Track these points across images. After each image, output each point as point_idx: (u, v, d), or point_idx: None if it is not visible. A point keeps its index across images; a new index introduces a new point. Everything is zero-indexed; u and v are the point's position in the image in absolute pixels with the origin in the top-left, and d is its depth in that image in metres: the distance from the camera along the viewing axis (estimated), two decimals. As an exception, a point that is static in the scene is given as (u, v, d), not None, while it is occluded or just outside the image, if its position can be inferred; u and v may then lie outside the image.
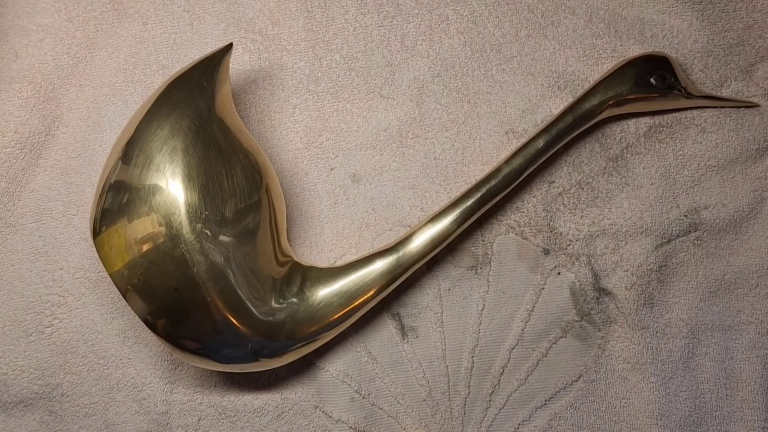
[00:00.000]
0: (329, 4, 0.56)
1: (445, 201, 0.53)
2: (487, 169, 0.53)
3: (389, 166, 0.54)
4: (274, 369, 0.50)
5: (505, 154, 0.53)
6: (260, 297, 0.46)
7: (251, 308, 0.46)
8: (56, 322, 0.51)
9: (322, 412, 0.50)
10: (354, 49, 0.55)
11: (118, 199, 0.45)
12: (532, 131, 0.53)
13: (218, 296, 0.45)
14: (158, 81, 0.55)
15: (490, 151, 0.54)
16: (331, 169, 0.54)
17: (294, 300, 0.47)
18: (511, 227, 0.53)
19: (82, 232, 0.52)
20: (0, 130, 0.53)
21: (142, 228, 0.44)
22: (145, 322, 0.45)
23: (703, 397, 0.51)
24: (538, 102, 0.54)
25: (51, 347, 0.51)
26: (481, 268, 0.52)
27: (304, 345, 0.48)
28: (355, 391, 0.51)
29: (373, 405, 0.50)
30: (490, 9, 0.56)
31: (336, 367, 0.51)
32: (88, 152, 0.54)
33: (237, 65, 0.55)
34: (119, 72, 0.55)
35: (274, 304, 0.47)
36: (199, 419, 0.50)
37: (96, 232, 0.45)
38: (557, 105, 0.54)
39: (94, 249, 0.46)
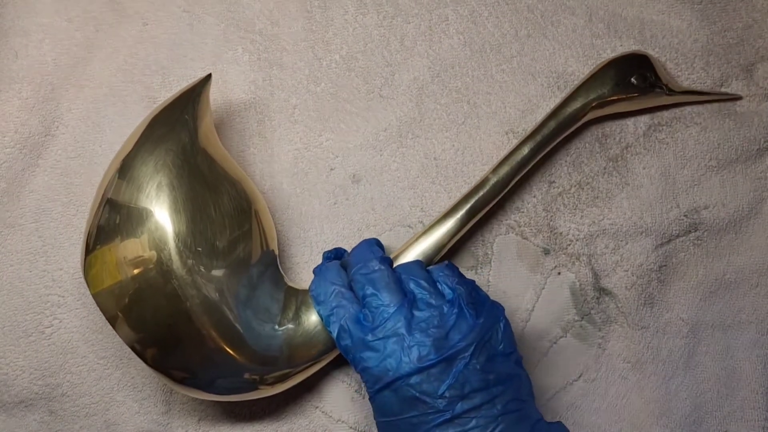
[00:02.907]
0: (329, 4, 0.56)
1: (445, 201, 0.53)
2: (488, 169, 0.53)
3: (389, 166, 0.54)
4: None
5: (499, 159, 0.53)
6: (256, 325, 0.46)
7: (247, 337, 0.45)
8: (56, 322, 0.51)
9: (322, 412, 0.50)
10: (353, 50, 0.55)
11: (103, 237, 0.45)
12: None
13: (213, 328, 0.44)
14: (157, 81, 0.55)
15: (489, 151, 0.54)
16: (331, 169, 0.54)
17: (290, 325, 0.47)
18: (511, 227, 0.53)
19: (81, 232, 0.52)
20: (0, 130, 0.53)
21: (131, 266, 0.44)
22: (139, 354, 0.44)
23: (704, 397, 0.51)
24: (538, 102, 0.54)
25: (51, 347, 0.51)
26: (481, 268, 0.52)
27: (304, 369, 0.47)
28: (355, 391, 0.51)
29: (373, 405, 0.50)
30: (489, 9, 0.56)
31: (336, 367, 0.51)
32: (88, 152, 0.53)
33: (237, 66, 0.55)
34: (119, 72, 0.55)
35: (270, 332, 0.46)
36: (199, 419, 0.50)
37: (85, 268, 0.45)
38: (557, 105, 0.54)
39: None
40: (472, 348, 0.42)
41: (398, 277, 0.45)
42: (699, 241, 0.53)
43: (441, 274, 0.45)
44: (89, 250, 0.45)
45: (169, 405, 0.50)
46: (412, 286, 0.44)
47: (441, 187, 0.53)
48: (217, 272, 0.45)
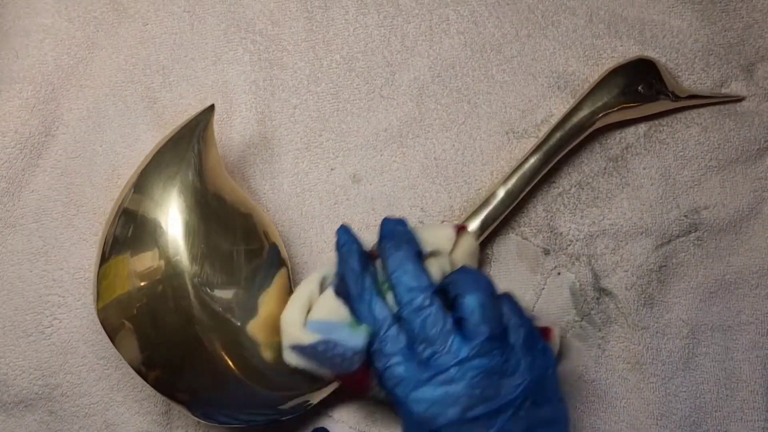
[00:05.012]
0: (329, 4, 0.56)
1: (445, 201, 0.53)
2: (488, 169, 0.53)
3: (389, 167, 0.54)
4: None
5: (503, 161, 0.53)
6: (272, 352, 0.46)
7: (263, 365, 0.45)
8: (56, 322, 0.51)
9: (322, 412, 0.50)
10: (354, 50, 0.55)
11: (114, 270, 0.45)
12: (532, 132, 0.54)
13: (225, 351, 0.45)
14: (158, 81, 0.55)
15: (490, 152, 0.54)
16: (332, 170, 0.54)
17: None
18: (511, 227, 0.53)
19: (82, 232, 0.52)
20: (0, 130, 0.53)
21: (140, 281, 0.44)
22: (143, 375, 0.44)
23: (703, 398, 0.51)
24: (539, 102, 0.54)
25: (51, 347, 0.51)
26: (481, 268, 0.52)
27: (320, 389, 0.47)
28: (356, 392, 0.51)
29: (373, 405, 0.50)
30: (490, 9, 0.56)
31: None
32: (88, 152, 0.54)
33: (237, 66, 0.55)
34: (119, 72, 0.55)
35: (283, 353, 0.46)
36: (199, 420, 0.50)
37: (98, 278, 0.45)
38: (557, 105, 0.54)
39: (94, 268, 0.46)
40: (521, 399, 0.40)
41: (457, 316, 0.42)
42: (699, 242, 0.52)
43: (506, 308, 0.42)
44: (104, 259, 0.45)
45: (169, 405, 0.50)
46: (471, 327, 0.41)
47: (441, 187, 0.53)
48: (229, 297, 0.45)
